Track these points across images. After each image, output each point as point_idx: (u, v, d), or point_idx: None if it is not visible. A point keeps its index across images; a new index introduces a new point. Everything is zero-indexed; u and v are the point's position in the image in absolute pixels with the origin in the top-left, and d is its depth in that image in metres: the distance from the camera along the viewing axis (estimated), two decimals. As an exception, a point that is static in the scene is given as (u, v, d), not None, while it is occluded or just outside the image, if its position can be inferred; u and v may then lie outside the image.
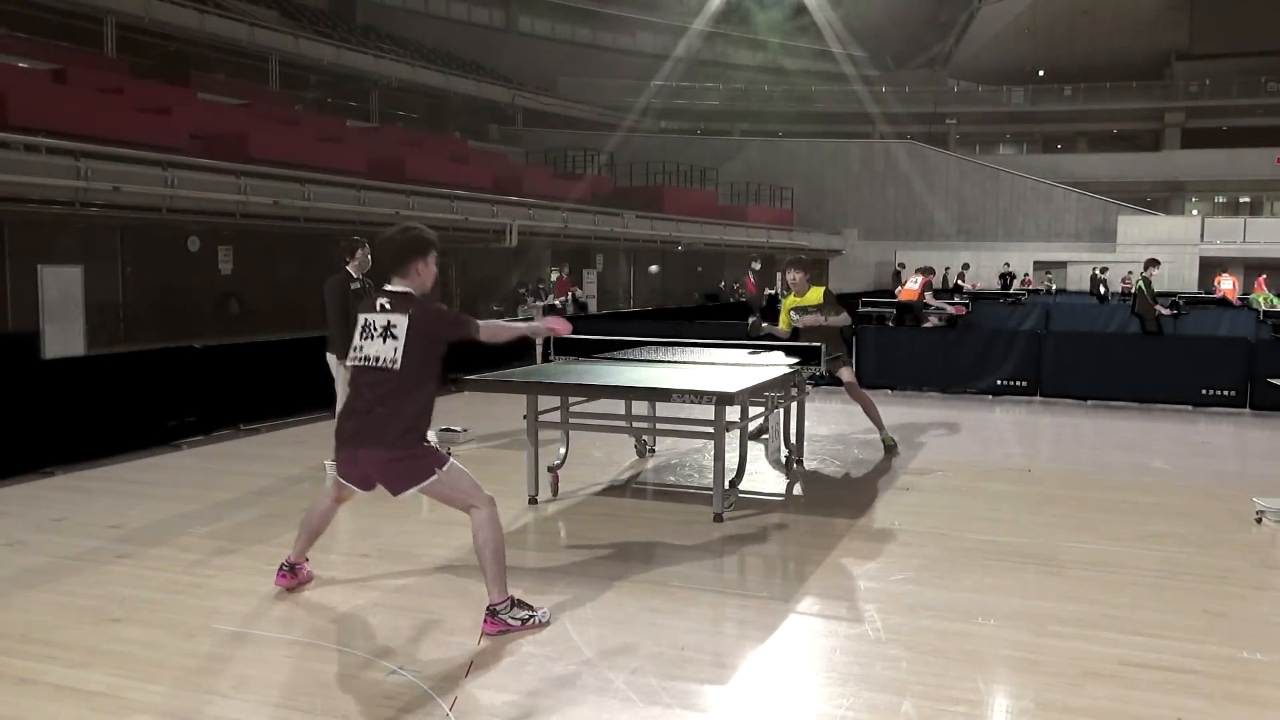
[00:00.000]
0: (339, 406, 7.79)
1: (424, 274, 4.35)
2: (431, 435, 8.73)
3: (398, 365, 4.20)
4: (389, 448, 4.22)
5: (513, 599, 4.31)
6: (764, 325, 8.72)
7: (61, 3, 27.23)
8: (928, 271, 18.16)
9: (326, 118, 31.50)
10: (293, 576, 4.80)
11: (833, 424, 9.95)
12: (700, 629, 4.41)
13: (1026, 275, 36.63)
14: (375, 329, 4.26)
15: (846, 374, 8.75)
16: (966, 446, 9.08)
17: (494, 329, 4.47)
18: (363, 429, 4.26)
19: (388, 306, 4.26)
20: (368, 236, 8.25)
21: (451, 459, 4.35)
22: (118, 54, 27.93)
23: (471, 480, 4.36)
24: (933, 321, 17.73)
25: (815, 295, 8.62)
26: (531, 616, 4.32)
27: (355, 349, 4.32)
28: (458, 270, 27.97)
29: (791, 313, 8.59)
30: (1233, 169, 48.37)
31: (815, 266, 9.02)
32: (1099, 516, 6.37)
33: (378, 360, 4.23)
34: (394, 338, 4.20)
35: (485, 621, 4.26)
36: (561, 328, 4.78)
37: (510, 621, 4.26)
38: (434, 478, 4.25)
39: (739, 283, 26.47)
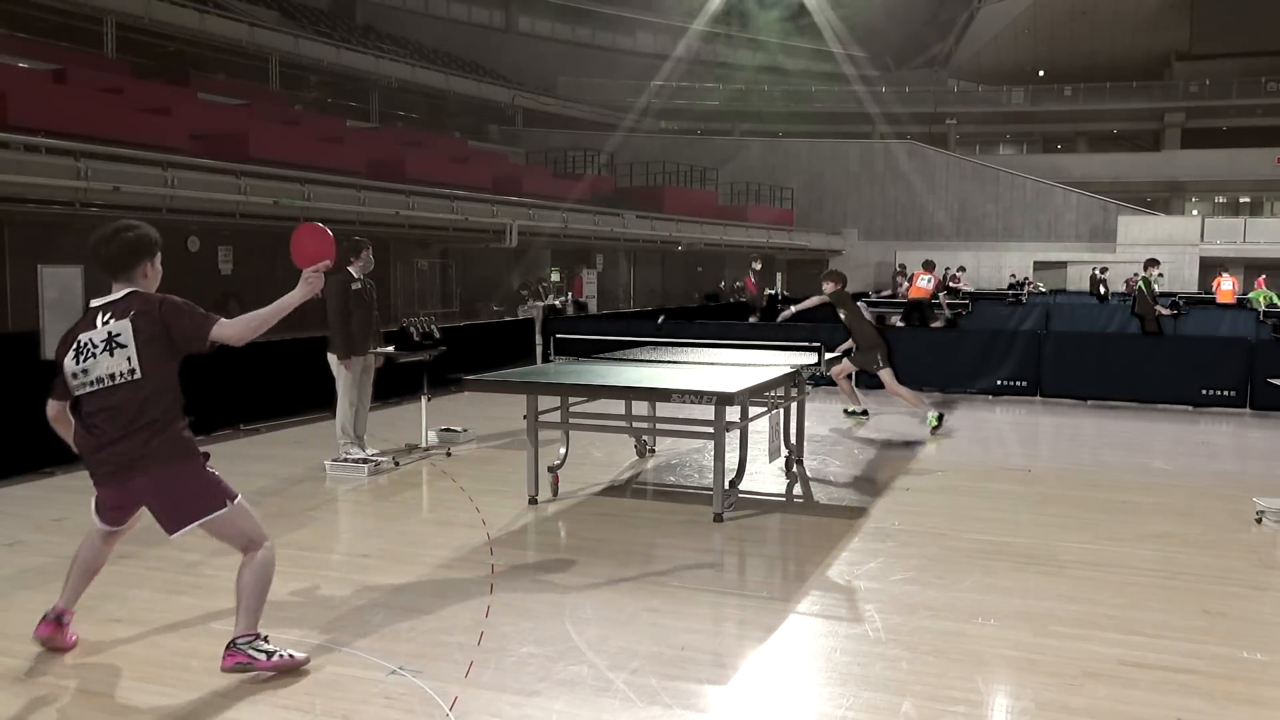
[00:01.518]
0: (340, 407, 7.83)
1: (151, 276, 3.86)
2: (432, 435, 8.79)
3: (138, 374, 3.62)
4: (166, 465, 3.64)
5: (259, 634, 3.82)
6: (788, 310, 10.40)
7: (61, 3, 27.24)
8: (929, 267, 18.14)
9: (326, 118, 31.50)
10: (58, 627, 4.06)
11: (833, 424, 9.96)
12: (700, 629, 4.41)
13: (1027, 278, 36.68)
14: (94, 347, 3.66)
15: (885, 376, 9.70)
16: (966, 446, 9.08)
17: (245, 323, 3.77)
18: (125, 457, 3.62)
19: (106, 319, 3.69)
20: (369, 238, 8.28)
21: (239, 495, 3.82)
22: (118, 54, 27.95)
23: (256, 520, 3.88)
24: (940, 320, 17.74)
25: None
26: (276, 653, 3.80)
27: (75, 376, 3.69)
28: (457, 270, 27.99)
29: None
30: (1233, 169, 48.38)
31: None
32: (1099, 516, 6.37)
33: (112, 378, 3.62)
34: (121, 346, 3.63)
35: (225, 654, 3.77)
36: (315, 281, 4.10)
37: (253, 654, 3.75)
38: (224, 511, 3.71)
39: (739, 282, 26.43)
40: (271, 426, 9.59)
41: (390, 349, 8.40)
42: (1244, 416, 10.92)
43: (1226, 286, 21.56)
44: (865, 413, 10.30)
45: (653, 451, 8.32)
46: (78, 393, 3.72)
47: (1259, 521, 6.22)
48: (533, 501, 6.60)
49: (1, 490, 6.93)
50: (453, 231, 24.09)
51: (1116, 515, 6.42)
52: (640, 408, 7.64)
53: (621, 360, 7.79)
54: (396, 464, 7.86)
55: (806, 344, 8.18)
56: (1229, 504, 6.70)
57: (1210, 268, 36.01)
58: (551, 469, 6.86)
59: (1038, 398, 11.91)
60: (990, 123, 54.95)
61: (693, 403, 5.93)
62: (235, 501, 3.77)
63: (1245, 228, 40.18)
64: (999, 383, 12.08)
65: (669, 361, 7.71)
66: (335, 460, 7.68)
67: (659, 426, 7.66)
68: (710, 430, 6.17)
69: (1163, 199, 50.08)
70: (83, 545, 4.11)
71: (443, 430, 8.80)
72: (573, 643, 4.19)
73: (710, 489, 6.40)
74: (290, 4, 38.75)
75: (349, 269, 7.85)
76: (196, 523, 3.70)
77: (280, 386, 9.87)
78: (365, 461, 7.65)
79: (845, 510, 6.55)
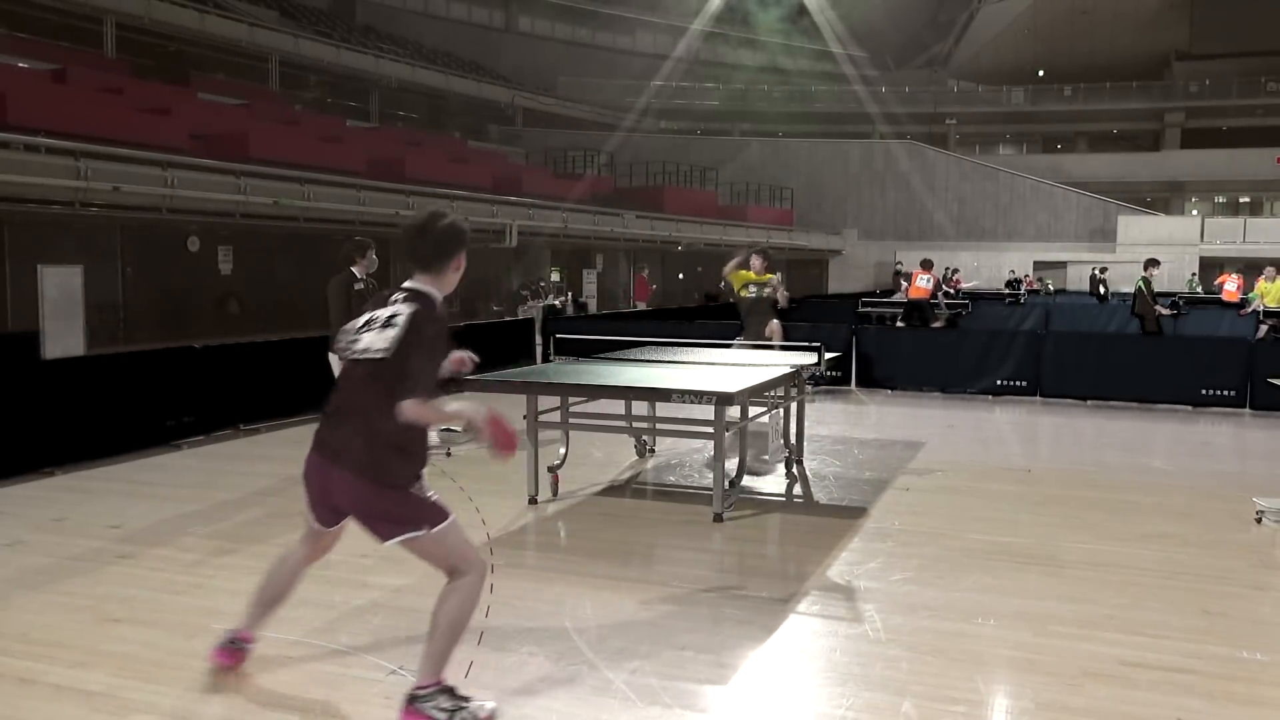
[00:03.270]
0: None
1: (457, 273, 3.57)
2: (433, 436, 8.76)
3: (389, 353, 3.33)
4: (358, 474, 3.38)
5: (442, 685, 3.41)
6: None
7: (61, 3, 27.24)
8: (928, 266, 18.07)
9: (326, 118, 31.50)
10: (235, 655, 3.83)
11: (833, 424, 9.96)
12: (700, 629, 4.41)
13: (1027, 276, 36.64)
14: (377, 322, 3.45)
15: (774, 325, 10.57)
16: (966, 446, 9.08)
17: (423, 412, 3.30)
18: (330, 438, 3.46)
19: (399, 299, 3.47)
20: (372, 237, 8.27)
21: (452, 516, 3.49)
22: (118, 54, 27.96)
23: (466, 540, 3.56)
24: (940, 320, 17.68)
25: (768, 276, 10.64)
26: (461, 709, 3.37)
27: (349, 341, 3.50)
28: (457, 270, 27.97)
29: (750, 285, 10.65)
30: (1233, 169, 48.39)
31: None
32: (1099, 516, 6.37)
33: (365, 351, 3.40)
34: (393, 326, 3.38)
35: (402, 711, 3.40)
36: (504, 443, 3.44)
37: (434, 714, 3.35)
38: (420, 533, 3.42)
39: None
40: (272, 426, 9.58)
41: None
42: (1244, 416, 10.92)
43: (1230, 287, 21.60)
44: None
45: (653, 451, 8.32)
46: (342, 354, 3.53)
47: (1259, 521, 6.22)
48: (533, 501, 6.60)
49: (1, 490, 6.93)
50: (453, 231, 24.08)
51: (1116, 515, 6.41)
52: (640, 408, 7.64)
53: (621, 360, 7.79)
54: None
55: (806, 344, 8.18)
56: (1229, 504, 6.69)
57: (1210, 268, 36.06)
58: (551, 469, 6.85)
59: (1038, 398, 11.91)
60: (990, 123, 54.97)
61: (693, 403, 5.93)
62: (438, 528, 3.42)
63: (1245, 228, 40.20)
64: (999, 383, 12.08)
65: (669, 361, 7.71)
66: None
67: (659, 426, 7.65)
68: (710, 430, 6.17)
69: (1163, 199, 50.09)
70: (275, 561, 3.83)
71: (443, 430, 8.79)
72: (573, 643, 4.18)
73: (710, 489, 6.40)
74: (290, 4, 38.75)
75: (352, 269, 7.85)
76: (397, 538, 3.41)
77: (280, 386, 9.87)
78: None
79: (845, 510, 6.54)
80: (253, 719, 3.53)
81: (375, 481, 3.38)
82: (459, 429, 3.50)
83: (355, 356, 3.45)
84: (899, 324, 17.67)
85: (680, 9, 51.48)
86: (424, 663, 3.43)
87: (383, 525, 3.43)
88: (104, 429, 8.04)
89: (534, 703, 3.64)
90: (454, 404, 3.50)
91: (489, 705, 3.50)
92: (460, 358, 3.79)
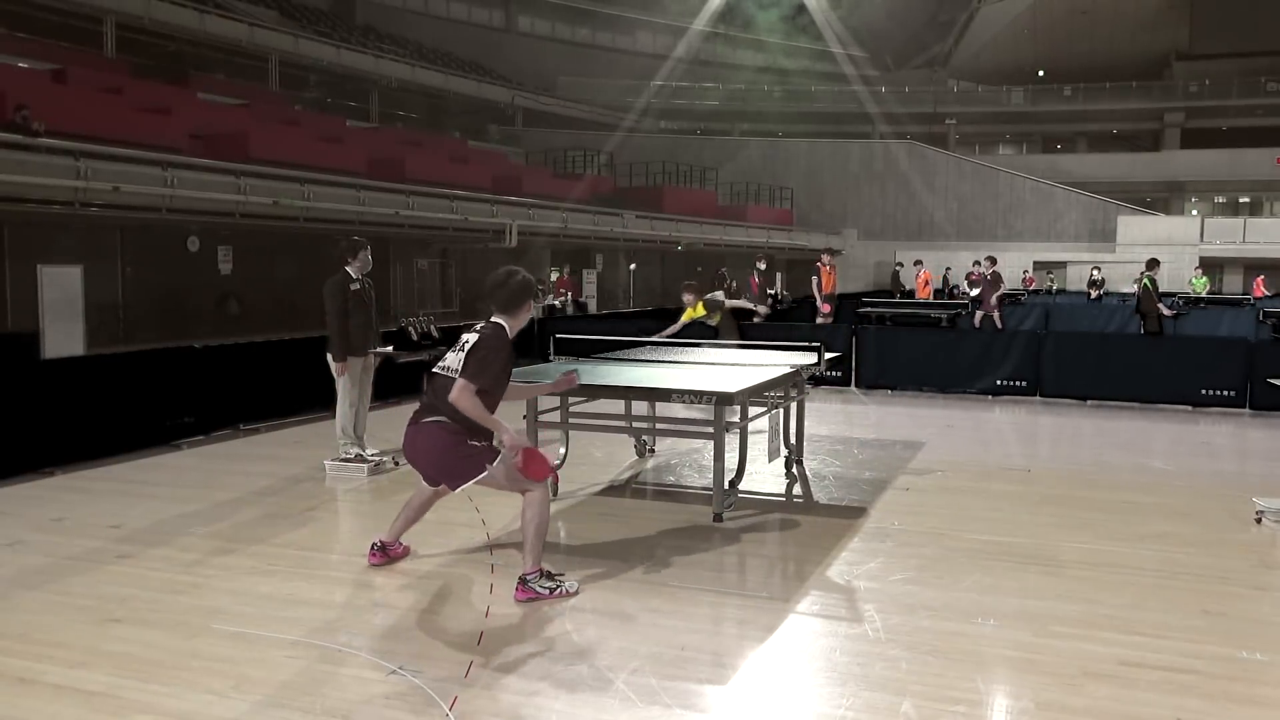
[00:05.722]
0: (340, 407, 7.82)
1: (521, 317, 4.90)
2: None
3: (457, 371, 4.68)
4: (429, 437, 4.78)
5: (542, 570, 4.73)
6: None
7: (61, 3, 27.23)
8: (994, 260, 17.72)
9: (326, 118, 31.47)
10: (384, 555, 5.28)
11: (833, 424, 9.95)
12: (700, 629, 4.41)
13: (1027, 273, 36.61)
14: (458, 344, 4.80)
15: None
16: (966, 446, 9.08)
17: (474, 408, 4.61)
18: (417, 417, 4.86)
19: (476, 327, 4.83)
20: (369, 238, 8.26)
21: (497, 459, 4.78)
22: (118, 54, 27.93)
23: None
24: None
25: (700, 309, 10.97)
26: (559, 586, 4.71)
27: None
28: (457, 270, 28.01)
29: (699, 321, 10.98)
30: (1233, 169, 48.39)
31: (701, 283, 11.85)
32: (1099, 516, 6.37)
33: (445, 368, 4.78)
34: (461, 350, 4.70)
35: (516, 589, 4.70)
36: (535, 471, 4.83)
37: (538, 590, 4.66)
38: (484, 473, 4.72)
39: (735, 282, 26.26)
40: (271, 426, 9.58)
41: (389, 349, 8.39)
42: (1244, 416, 10.92)
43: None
44: None
45: (653, 451, 8.31)
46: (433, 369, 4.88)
47: (1259, 521, 6.22)
48: (533, 501, 6.59)
49: (1, 490, 6.93)
50: (453, 231, 24.09)
51: (1116, 515, 6.41)
52: (640, 408, 7.63)
53: (621, 360, 7.79)
54: (396, 464, 7.84)
55: (806, 344, 8.18)
56: (1229, 504, 6.69)
57: (1210, 268, 36.05)
58: (551, 469, 6.84)
59: (1038, 398, 11.91)
60: (990, 123, 54.96)
61: (693, 403, 5.93)
62: (493, 464, 4.72)
63: (1245, 228, 40.21)
64: (999, 383, 12.07)
65: (669, 361, 7.71)
66: (335, 460, 7.68)
67: (659, 426, 7.65)
68: (710, 430, 6.17)
69: (1163, 199, 50.09)
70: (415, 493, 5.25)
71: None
72: (573, 643, 4.19)
73: (710, 489, 6.40)
74: (290, 4, 38.74)
75: (347, 269, 7.84)
76: (463, 484, 4.79)
77: (280, 386, 9.86)
78: (365, 461, 7.65)
79: (845, 510, 6.54)
80: (253, 719, 3.53)
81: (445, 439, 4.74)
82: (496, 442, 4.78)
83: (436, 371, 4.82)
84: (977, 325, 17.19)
85: (680, 9, 51.44)
86: (525, 557, 4.76)
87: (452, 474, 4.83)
88: (104, 429, 8.04)
89: (534, 703, 3.64)
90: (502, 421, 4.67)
91: (574, 583, 4.80)
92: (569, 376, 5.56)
